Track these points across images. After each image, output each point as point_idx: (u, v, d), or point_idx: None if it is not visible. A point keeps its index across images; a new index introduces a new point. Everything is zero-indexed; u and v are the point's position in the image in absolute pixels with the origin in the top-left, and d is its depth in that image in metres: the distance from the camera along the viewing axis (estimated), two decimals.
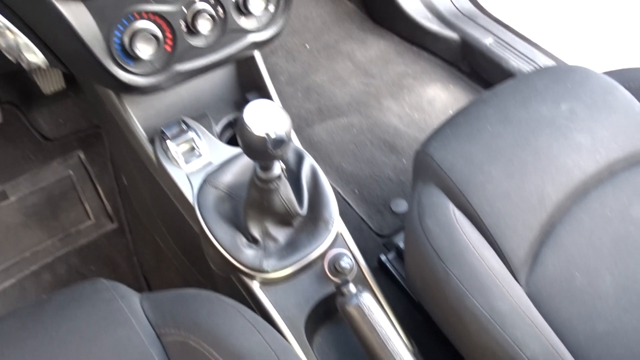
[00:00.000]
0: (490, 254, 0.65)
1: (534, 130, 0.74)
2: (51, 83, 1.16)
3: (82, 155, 1.24)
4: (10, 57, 0.59)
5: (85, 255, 1.11)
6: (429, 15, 1.47)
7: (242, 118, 0.55)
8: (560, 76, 0.82)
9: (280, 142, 0.55)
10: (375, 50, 1.52)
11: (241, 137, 0.56)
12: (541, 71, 0.88)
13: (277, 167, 0.63)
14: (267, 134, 0.54)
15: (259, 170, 0.63)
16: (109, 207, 1.18)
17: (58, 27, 0.61)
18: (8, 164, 1.20)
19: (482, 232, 0.67)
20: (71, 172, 1.21)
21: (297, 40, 1.53)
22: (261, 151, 0.55)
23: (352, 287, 0.65)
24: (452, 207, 0.69)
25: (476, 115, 0.78)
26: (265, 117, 0.55)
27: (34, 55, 0.52)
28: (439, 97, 1.40)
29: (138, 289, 0.62)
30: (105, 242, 1.13)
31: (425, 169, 0.75)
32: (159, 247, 1.07)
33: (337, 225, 0.75)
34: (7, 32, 0.55)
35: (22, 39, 0.56)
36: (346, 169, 1.24)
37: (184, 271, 1.01)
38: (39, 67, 0.63)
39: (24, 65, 0.59)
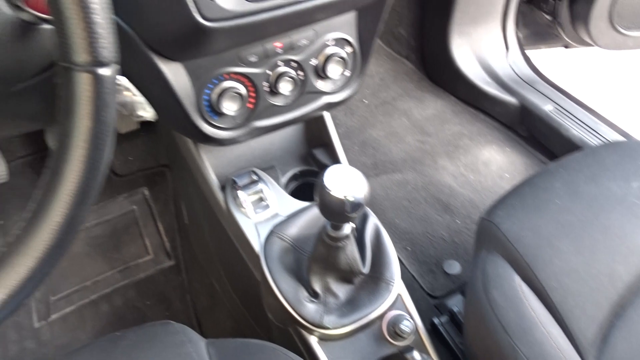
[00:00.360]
0: (557, 332, 0.64)
1: (604, 207, 0.73)
2: (127, 124, 1.24)
3: (146, 192, 1.30)
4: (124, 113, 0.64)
5: (142, 290, 1.15)
6: (488, 78, 1.49)
7: (323, 180, 0.57)
8: (630, 152, 0.82)
9: (357, 206, 0.57)
10: (432, 109, 1.55)
11: (320, 198, 0.58)
12: (610, 146, 0.87)
13: (348, 227, 0.65)
14: (346, 197, 0.57)
15: (329, 228, 0.65)
16: (167, 244, 1.22)
17: (157, 84, 0.67)
18: None
19: (548, 308, 0.66)
20: (135, 207, 1.27)
21: (356, 96, 1.57)
22: (338, 213, 0.58)
23: (417, 356, 0.65)
24: (518, 280, 0.69)
25: (543, 187, 0.78)
26: (344, 181, 0.57)
27: (144, 112, 0.57)
28: (494, 159, 1.40)
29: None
30: (161, 278, 1.17)
31: (490, 237, 0.75)
32: (214, 288, 1.09)
33: (397, 286, 0.75)
34: (125, 92, 0.60)
35: (138, 98, 0.61)
36: (399, 225, 1.25)
37: (238, 316, 1.03)
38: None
39: (133, 118, 0.64)
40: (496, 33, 1.49)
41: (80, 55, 0.32)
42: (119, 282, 1.15)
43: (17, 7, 0.45)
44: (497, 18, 1.46)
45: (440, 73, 1.59)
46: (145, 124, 1.29)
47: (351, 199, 0.57)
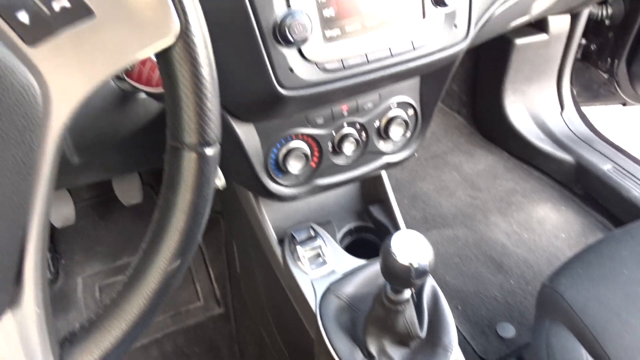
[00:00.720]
0: None
1: None
2: None
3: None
4: None
5: (191, 336, 1.17)
6: (542, 135, 1.48)
7: (389, 245, 0.58)
8: None
9: (423, 273, 0.57)
10: (483, 164, 1.54)
11: (385, 263, 0.59)
12: None
13: (408, 291, 0.65)
14: (411, 264, 0.57)
15: (389, 291, 0.65)
16: (217, 292, 1.24)
17: (229, 142, 0.70)
18: (136, 239, 1.32)
19: None
20: None
21: None
22: (403, 279, 0.58)
23: None
24: (585, 354, 0.66)
25: (609, 255, 0.76)
26: (411, 247, 0.58)
27: (219, 180, 0.59)
28: (549, 218, 1.36)
29: None
30: (210, 326, 1.18)
31: (554, 306, 0.72)
32: (263, 340, 1.09)
33: (455, 354, 0.73)
34: None
35: None
36: (450, 282, 1.23)
37: None
38: None
39: None
40: (551, 90, 1.48)
41: (190, 136, 0.34)
42: (169, 327, 1.17)
43: (118, 78, 0.49)
44: (552, 76, 1.46)
45: (492, 128, 1.59)
46: None
47: (416, 265, 0.57)
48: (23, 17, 0.28)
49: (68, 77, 0.29)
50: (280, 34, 0.54)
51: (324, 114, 0.71)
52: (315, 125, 0.72)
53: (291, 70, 0.57)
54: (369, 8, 0.58)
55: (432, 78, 0.75)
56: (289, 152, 0.72)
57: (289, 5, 0.54)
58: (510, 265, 1.25)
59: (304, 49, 0.56)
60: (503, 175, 1.50)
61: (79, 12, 0.29)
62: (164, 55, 0.32)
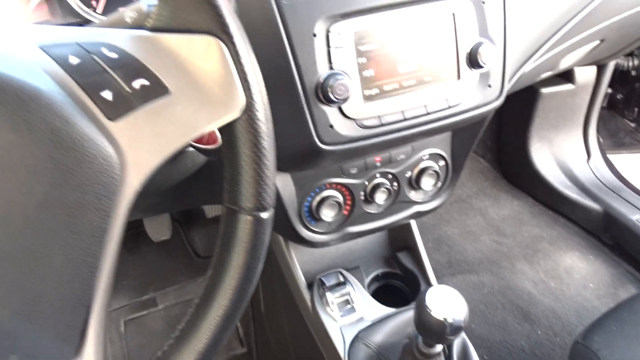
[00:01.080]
0: None
1: None
2: (215, 209, 1.32)
3: None
4: None
5: None
6: (568, 182, 1.48)
7: (425, 300, 0.59)
8: None
9: (457, 329, 0.57)
10: (509, 209, 1.54)
11: (419, 317, 0.59)
12: None
13: (440, 345, 0.65)
14: (446, 319, 0.57)
15: (421, 344, 0.65)
16: (240, 331, 1.24)
17: None
18: (163, 274, 1.34)
19: None
20: None
21: None
22: (437, 334, 0.58)
23: None
24: None
25: None
26: (446, 303, 0.58)
27: None
28: (577, 267, 1.35)
29: None
30: None
31: None
32: None
33: None
34: None
35: None
36: (475, 330, 1.21)
37: None
38: None
39: None
40: (577, 138, 1.49)
41: (248, 202, 0.36)
42: None
43: None
44: (579, 124, 1.47)
45: (517, 173, 1.59)
46: None
47: (451, 321, 0.57)
48: (107, 94, 0.31)
49: (143, 149, 0.32)
50: (323, 94, 0.57)
51: (357, 165, 0.74)
52: (349, 175, 0.75)
53: (331, 126, 0.59)
54: (407, 69, 0.61)
55: (464, 132, 0.77)
56: (322, 201, 0.74)
57: (331, 67, 0.57)
58: (538, 315, 1.23)
59: (344, 107, 0.59)
60: (529, 221, 1.50)
61: (156, 89, 0.32)
62: (228, 127, 0.35)
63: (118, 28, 0.39)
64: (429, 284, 0.91)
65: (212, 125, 0.33)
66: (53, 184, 0.29)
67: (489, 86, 0.66)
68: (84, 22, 0.67)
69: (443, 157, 0.80)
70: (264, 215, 0.38)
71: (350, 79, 0.57)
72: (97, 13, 0.68)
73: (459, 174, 0.83)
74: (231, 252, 0.37)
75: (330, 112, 0.59)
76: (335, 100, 0.57)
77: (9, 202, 0.28)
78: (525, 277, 1.33)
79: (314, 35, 0.55)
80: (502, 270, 1.35)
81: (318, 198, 0.75)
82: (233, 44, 0.33)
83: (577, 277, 1.32)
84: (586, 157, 1.50)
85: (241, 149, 0.35)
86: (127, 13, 0.43)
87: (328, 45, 0.56)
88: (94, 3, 0.68)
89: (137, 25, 0.37)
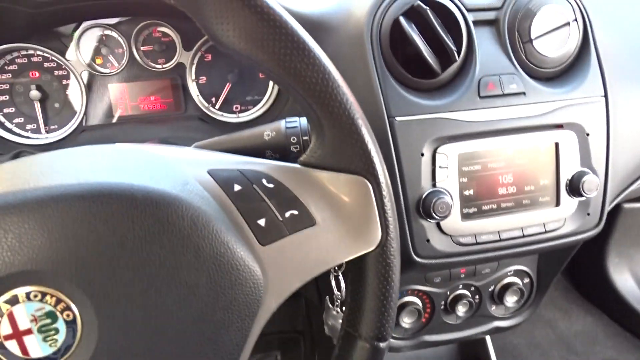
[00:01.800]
0: None
1: None
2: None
3: (279, 357, 1.33)
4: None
5: None
6: None
7: None
8: None
9: None
10: (581, 325, 1.45)
11: None
12: None
13: None
14: None
15: None
16: None
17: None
18: None
19: None
20: None
21: None
22: None
23: None
24: None
25: None
26: None
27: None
28: None
29: None
30: None
31: None
32: None
33: None
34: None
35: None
36: None
37: None
38: None
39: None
40: None
41: (369, 330, 0.38)
42: None
43: None
44: None
45: (591, 288, 1.51)
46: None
47: None
48: (262, 222, 0.34)
49: (285, 274, 0.34)
50: (424, 210, 0.58)
51: (442, 274, 0.73)
52: (432, 284, 0.74)
53: (428, 240, 0.60)
54: (506, 191, 0.62)
55: (553, 252, 0.76)
56: (403, 306, 0.74)
57: (434, 184, 0.59)
58: None
59: (442, 223, 0.60)
60: (603, 341, 1.40)
61: (304, 220, 0.34)
62: (359, 257, 0.36)
63: (257, 147, 0.43)
64: None
65: (351, 257, 0.35)
66: (207, 303, 0.31)
67: (588, 214, 0.65)
68: (202, 115, 0.74)
69: (528, 275, 0.78)
70: (382, 345, 0.38)
71: (451, 197, 0.59)
72: (214, 109, 0.75)
73: (544, 294, 0.80)
74: None
75: (429, 227, 0.60)
76: (436, 217, 0.58)
77: (168, 313, 0.30)
78: None
79: (422, 154, 0.58)
80: None
81: (399, 303, 0.74)
82: (379, 184, 0.36)
83: None
84: None
85: (370, 279, 0.37)
86: (266, 132, 0.48)
87: (433, 164, 0.59)
88: (213, 99, 0.75)
89: (279, 150, 0.41)
